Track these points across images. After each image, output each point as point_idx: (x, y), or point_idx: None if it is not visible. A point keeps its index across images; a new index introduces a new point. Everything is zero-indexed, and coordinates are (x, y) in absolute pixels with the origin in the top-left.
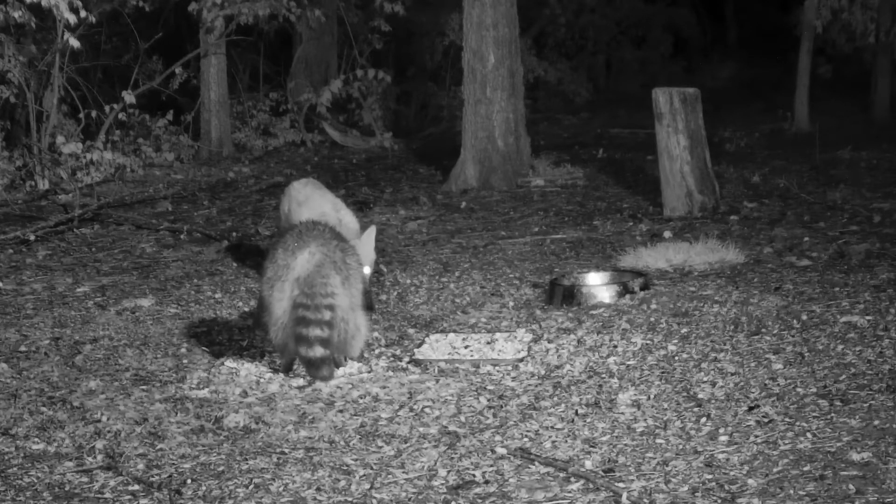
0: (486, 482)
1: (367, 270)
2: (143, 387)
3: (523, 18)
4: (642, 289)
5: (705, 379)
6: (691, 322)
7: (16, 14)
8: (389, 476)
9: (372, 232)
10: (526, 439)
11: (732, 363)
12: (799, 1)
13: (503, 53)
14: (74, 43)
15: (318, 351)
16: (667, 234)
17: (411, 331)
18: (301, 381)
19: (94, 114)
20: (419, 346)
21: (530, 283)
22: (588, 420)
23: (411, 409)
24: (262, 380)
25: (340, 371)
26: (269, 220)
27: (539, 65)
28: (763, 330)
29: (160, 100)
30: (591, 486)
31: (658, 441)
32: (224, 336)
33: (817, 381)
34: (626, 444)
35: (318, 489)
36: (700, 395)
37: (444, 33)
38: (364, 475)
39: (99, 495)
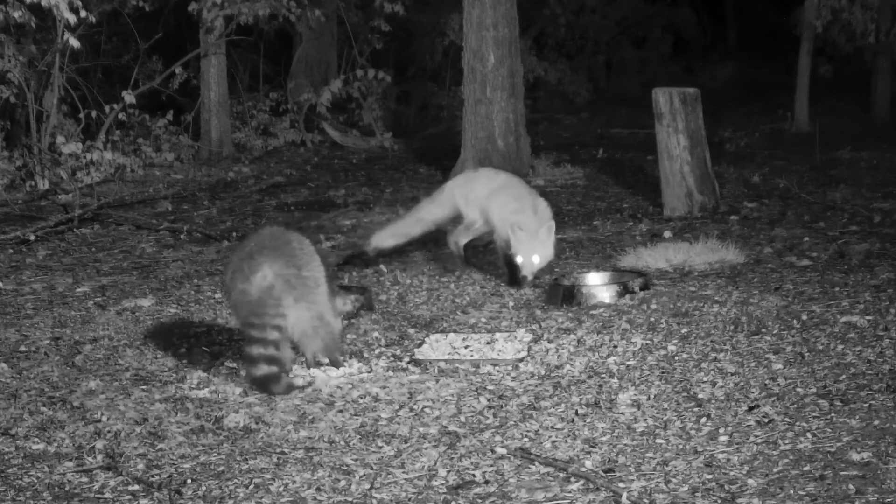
0: (486, 482)
1: (535, 259)
2: (143, 387)
3: (523, 18)
4: (642, 289)
5: (705, 379)
6: (691, 322)
7: (16, 14)
8: (389, 476)
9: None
10: (526, 439)
11: (732, 363)
12: (799, 1)
13: (503, 53)
14: (74, 43)
15: (262, 369)
16: (667, 234)
17: (411, 331)
18: (301, 381)
19: (94, 114)
20: (419, 346)
21: (530, 283)
22: (588, 420)
23: (411, 409)
24: None
25: (340, 371)
26: (270, 220)
27: (539, 65)
28: (763, 330)
29: (160, 100)
30: (591, 486)
31: (658, 441)
32: (224, 336)
33: (817, 381)
34: (626, 444)
35: (318, 489)
36: (700, 395)
37: (444, 33)
38: (364, 475)
39: (99, 495)
